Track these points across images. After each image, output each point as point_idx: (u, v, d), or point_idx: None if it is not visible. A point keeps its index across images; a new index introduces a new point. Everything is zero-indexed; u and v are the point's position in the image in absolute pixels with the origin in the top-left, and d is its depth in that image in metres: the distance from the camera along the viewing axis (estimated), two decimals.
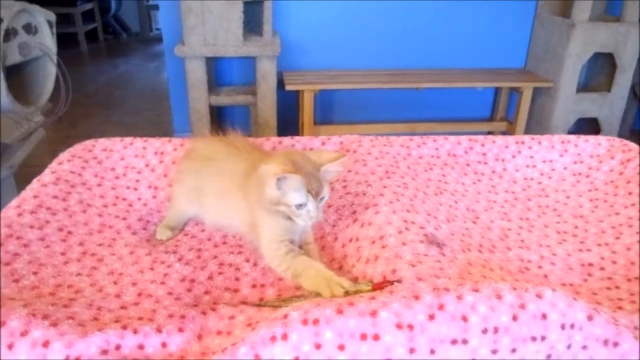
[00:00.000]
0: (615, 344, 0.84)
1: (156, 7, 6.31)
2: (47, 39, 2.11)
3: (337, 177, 1.35)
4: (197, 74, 2.80)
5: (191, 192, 1.22)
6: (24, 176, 2.34)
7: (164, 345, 0.84)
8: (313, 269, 1.02)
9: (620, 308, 1.00)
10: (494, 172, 1.52)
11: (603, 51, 2.97)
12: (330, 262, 1.10)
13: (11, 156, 2.26)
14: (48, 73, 2.18)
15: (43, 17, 2.07)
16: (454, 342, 0.79)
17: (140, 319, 0.89)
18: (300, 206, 1.00)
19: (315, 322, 0.79)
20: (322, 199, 1.02)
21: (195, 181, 1.21)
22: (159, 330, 0.85)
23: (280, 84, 2.93)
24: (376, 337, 0.78)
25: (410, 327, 0.79)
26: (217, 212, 1.20)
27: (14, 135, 2.31)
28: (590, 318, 0.84)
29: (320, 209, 1.03)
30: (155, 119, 3.70)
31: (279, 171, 0.97)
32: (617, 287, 1.09)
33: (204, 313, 0.93)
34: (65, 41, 5.23)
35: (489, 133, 3.43)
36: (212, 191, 1.18)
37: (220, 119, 3.30)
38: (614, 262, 1.16)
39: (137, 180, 1.38)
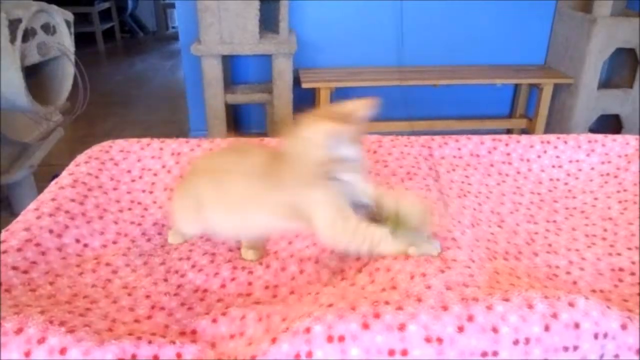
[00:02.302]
0: None
1: (173, 5, 6.32)
2: (65, 39, 2.12)
3: None
4: (213, 72, 2.79)
5: (191, 212, 1.08)
6: (43, 175, 2.36)
7: (178, 355, 0.82)
8: (388, 234, 0.96)
9: None
10: (518, 172, 1.48)
11: (625, 47, 2.91)
12: (350, 258, 1.07)
13: (31, 156, 2.27)
14: (66, 73, 2.19)
15: (61, 17, 2.07)
16: (484, 354, 0.76)
17: (153, 334, 0.88)
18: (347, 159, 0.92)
19: (341, 339, 0.76)
20: None
21: (196, 198, 1.07)
22: (172, 342, 0.83)
23: (297, 81, 2.91)
24: (404, 352, 0.76)
25: (439, 340, 0.76)
26: (234, 222, 1.06)
27: (33, 135, 2.32)
28: (624, 327, 0.82)
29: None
30: (171, 117, 3.71)
31: (330, 127, 0.88)
32: None
33: (214, 321, 0.92)
34: (82, 40, 5.24)
35: (508, 130, 3.38)
36: (221, 202, 1.05)
37: (236, 117, 3.29)
38: None
39: (153, 183, 1.36)
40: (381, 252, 0.97)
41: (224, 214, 1.05)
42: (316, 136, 0.90)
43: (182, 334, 0.91)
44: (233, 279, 1.07)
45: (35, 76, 2.14)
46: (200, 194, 1.05)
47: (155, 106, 3.98)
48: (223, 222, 1.06)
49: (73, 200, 1.18)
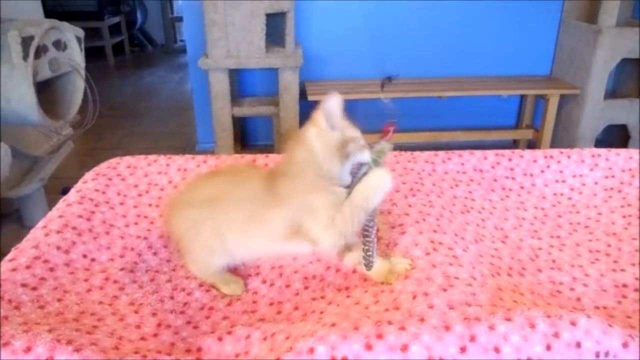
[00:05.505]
0: None
1: (181, 19, 6.39)
2: (76, 55, 2.15)
3: None
4: (220, 85, 2.81)
5: (213, 241, 1.07)
6: (53, 188, 2.39)
7: None
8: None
9: None
10: (522, 187, 1.48)
11: (630, 57, 2.91)
12: (353, 274, 1.08)
13: (41, 169, 2.30)
14: (77, 87, 2.23)
15: (72, 34, 2.12)
16: None
17: (159, 352, 0.89)
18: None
19: None
20: None
21: (213, 225, 1.06)
22: None
23: (303, 94, 2.93)
24: None
25: None
26: (248, 243, 1.09)
27: (43, 149, 2.35)
28: (625, 345, 0.82)
29: None
30: (179, 130, 3.73)
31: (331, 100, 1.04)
32: None
33: (220, 339, 0.93)
34: (92, 54, 5.33)
35: (515, 141, 3.38)
36: (236, 223, 1.06)
37: (243, 130, 3.31)
38: None
39: (160, 197, 1.38)
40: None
41: (243, 238, 1.08)
42: (319, 119, 1.05)
43: (188, 351, 0.92)
44: (238, 299, 1.09)
45: (47, 91, 2.18)
46: (219, 223, 1.06)
47: (163, 119, 4.02)
48: (243, 247, 1.09)
49: (80, 217, 1.20)
